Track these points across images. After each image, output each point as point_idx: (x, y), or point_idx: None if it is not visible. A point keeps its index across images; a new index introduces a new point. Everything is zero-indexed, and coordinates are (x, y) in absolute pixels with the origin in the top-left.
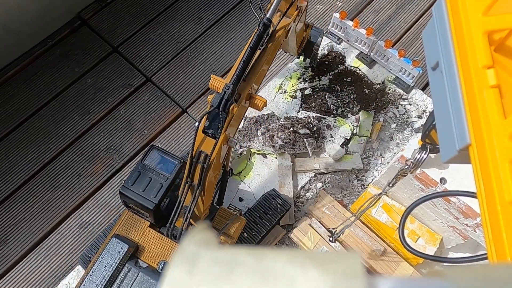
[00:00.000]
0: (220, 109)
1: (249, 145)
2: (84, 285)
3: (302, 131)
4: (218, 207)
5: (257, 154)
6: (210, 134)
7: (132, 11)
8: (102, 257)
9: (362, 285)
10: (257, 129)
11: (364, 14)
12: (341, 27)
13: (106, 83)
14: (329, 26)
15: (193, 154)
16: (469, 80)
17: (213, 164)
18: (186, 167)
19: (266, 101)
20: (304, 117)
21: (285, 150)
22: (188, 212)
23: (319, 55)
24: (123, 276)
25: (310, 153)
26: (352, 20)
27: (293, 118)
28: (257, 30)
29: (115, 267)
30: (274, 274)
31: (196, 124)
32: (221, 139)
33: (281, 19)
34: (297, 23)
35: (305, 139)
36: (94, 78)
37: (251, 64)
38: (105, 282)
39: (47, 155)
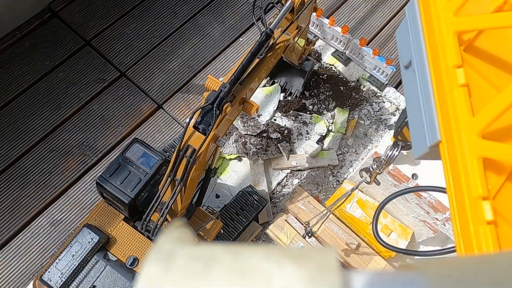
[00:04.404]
0: (215, 106)
1: (221, 151)
2: (49, 272)
3: (274, 136)
4: (195, 207)
5: (232, 160)
6: (200, 130)
7: (106, 4)
8: (71, 246)
9: (337, 280)
10: (229, 136)
11: (340, 12)
12: (318, 25)
13: (78, 77)
14: None
15: (181, 148)
16: (440, 79)
17: (199, 160)
18: (171, 160)
19: (259, 106)
20: (275, 118)
21: (258, 157)
22: (165, 208)
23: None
24: (90, 267)
25: (286, 157)
26: (328, 18)
27: (263, 124)
28: (260, 38)
29: (83, 257)
30: (251, 270)
31: (188, 119)
32: (211, 136)
33: (281, 34)
34: (298, 39)
35: (279, 144)
36: (66, 72)
37: (249, 70)
38: (71, 271)
39: (16, 151)
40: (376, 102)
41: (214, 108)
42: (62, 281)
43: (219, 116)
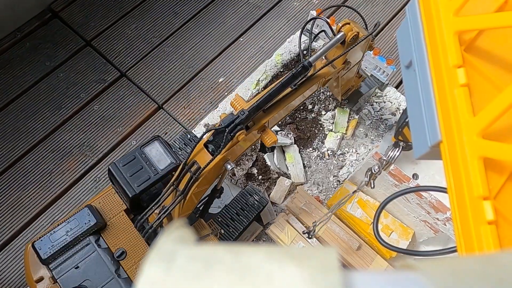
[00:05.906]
0: (227, 130)
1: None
2: (41, 240)
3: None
4: (198, 217)
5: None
6: (209, 150)
7: (106, 4)
8: (68, 222)
9: (338, 280)
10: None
11: (340, 12)
12: (318, 25)
13: (78, 77)
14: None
15: (187, 162)
16: (441, 78)
17: (203, 178)
18: (177, 170)
19: (277, 139)
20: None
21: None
22: (163, 213)
23: (364, 106)
24: (79, 248)
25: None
26: (328, 18)
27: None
28: (295, 69)
29: (76, 236)
30: (252, 270)
31: (202, 134)
32: (218, 159)
33: (325, 66)
34: (344, 74)
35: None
36: (66, 73)
37: (278, 98)
38: (61, 246)
39: (17, 152)
40: (376, 102)
41: (226, 133)
42: (50, 253)
43: (230, 142)
